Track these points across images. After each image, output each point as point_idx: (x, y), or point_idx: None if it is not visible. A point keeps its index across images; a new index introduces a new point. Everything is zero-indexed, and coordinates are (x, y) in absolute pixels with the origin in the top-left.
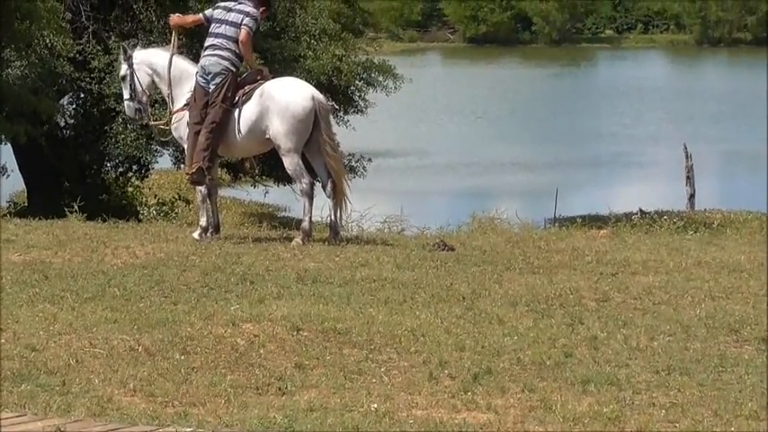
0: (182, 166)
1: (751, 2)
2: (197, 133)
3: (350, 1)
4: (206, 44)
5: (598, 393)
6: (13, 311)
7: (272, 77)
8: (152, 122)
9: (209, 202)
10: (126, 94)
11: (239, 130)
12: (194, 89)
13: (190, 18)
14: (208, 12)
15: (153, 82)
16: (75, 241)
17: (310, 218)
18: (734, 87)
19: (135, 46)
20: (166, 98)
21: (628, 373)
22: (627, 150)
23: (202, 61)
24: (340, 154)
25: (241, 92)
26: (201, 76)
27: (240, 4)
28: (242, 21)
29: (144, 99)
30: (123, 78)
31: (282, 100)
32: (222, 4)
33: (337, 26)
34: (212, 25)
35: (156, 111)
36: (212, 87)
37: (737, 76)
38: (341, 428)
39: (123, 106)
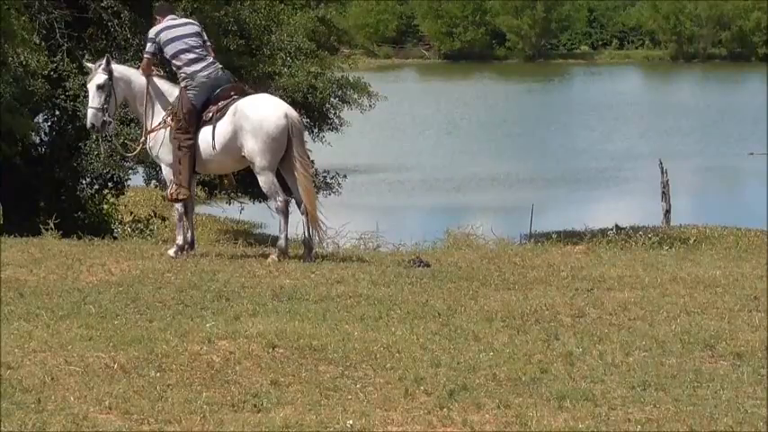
0: (153, 183)
1: (725, 18)
2: (186, 154)
3: (325, 18)
4: (187, 59)
5: (574, 409)
6: None
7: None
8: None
9: (185, 219)
10: (96, 103)
11: (215, 147)
12: (184, 109)
13: (145, 64)
14: (150, 47)
15: (125, 99)
16: (50, 259)
17: (286, 235)
18: (708, 102)
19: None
20: (140, 117)
21: (603, 389)
22: (602, 166)
23: (203, 74)
24: (312, 172)
25: (215, 108)
26: (198, 92)
27: (176, 20)
28: (202, 33)
29: (113, 113)
30: (101, 87)
31: (256, 118)
32: (160, 27)
33: (313, 44)
34: (172, 45)
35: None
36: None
37: (712, 91)
38: None
39: (88, 114)
